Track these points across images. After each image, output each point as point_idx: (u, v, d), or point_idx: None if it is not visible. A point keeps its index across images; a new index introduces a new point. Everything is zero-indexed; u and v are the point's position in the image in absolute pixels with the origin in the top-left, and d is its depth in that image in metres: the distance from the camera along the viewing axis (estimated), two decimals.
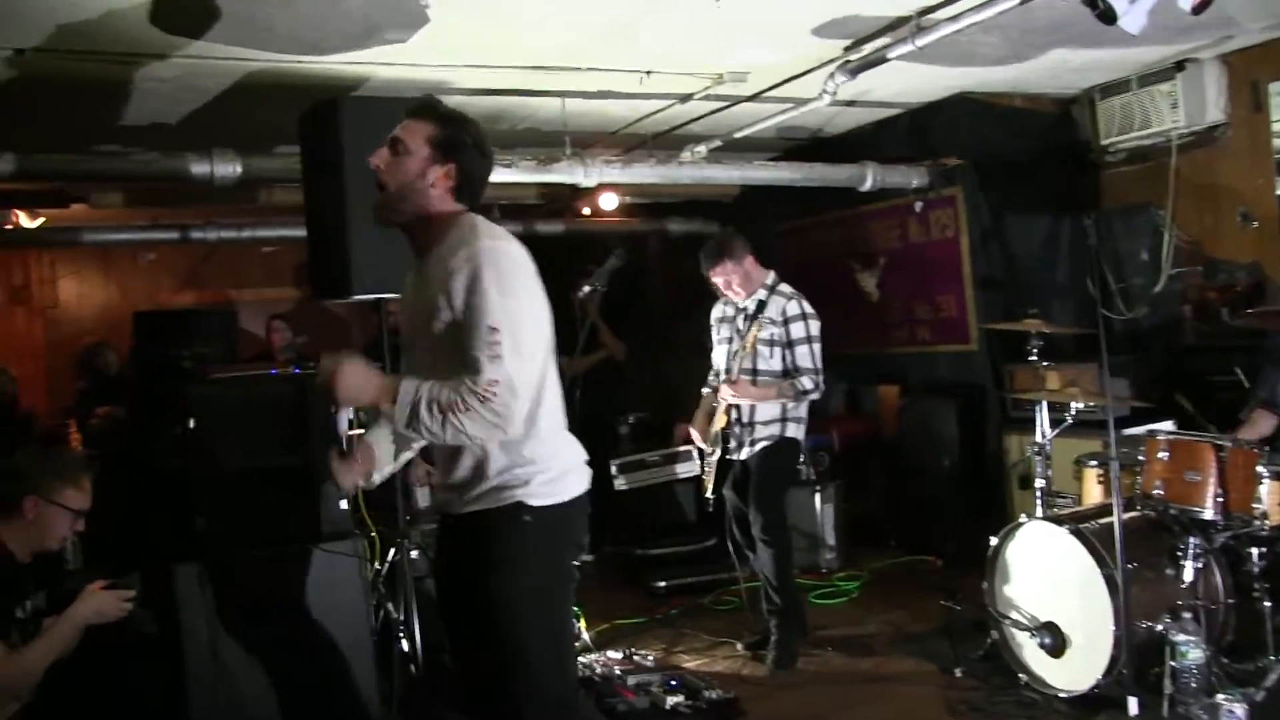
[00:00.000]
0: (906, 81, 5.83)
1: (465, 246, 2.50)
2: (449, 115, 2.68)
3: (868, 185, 6.51)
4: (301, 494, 3.79)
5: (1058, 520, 4.12)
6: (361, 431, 2.73)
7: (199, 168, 5.08)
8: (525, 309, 2.50)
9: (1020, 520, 4.26)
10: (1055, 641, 4.02)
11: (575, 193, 7.79)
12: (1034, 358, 4.70)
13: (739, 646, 5.04)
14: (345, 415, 2.78)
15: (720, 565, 6.28)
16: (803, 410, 4.92)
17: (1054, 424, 4.63)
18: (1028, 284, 6.27)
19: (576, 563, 2.75)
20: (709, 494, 5.06)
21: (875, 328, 7.18)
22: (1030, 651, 4.15)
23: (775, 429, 4.85)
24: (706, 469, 5.07)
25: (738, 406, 4.87)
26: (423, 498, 6.07)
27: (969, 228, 6.42)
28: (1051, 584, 4.09)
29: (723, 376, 4.95)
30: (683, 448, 6.75)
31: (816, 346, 4.83)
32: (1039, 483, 4.59)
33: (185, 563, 3.53)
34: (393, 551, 4.40)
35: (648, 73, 5.26)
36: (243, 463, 3.64)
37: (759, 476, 4.84)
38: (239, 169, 5.11)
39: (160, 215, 7.58)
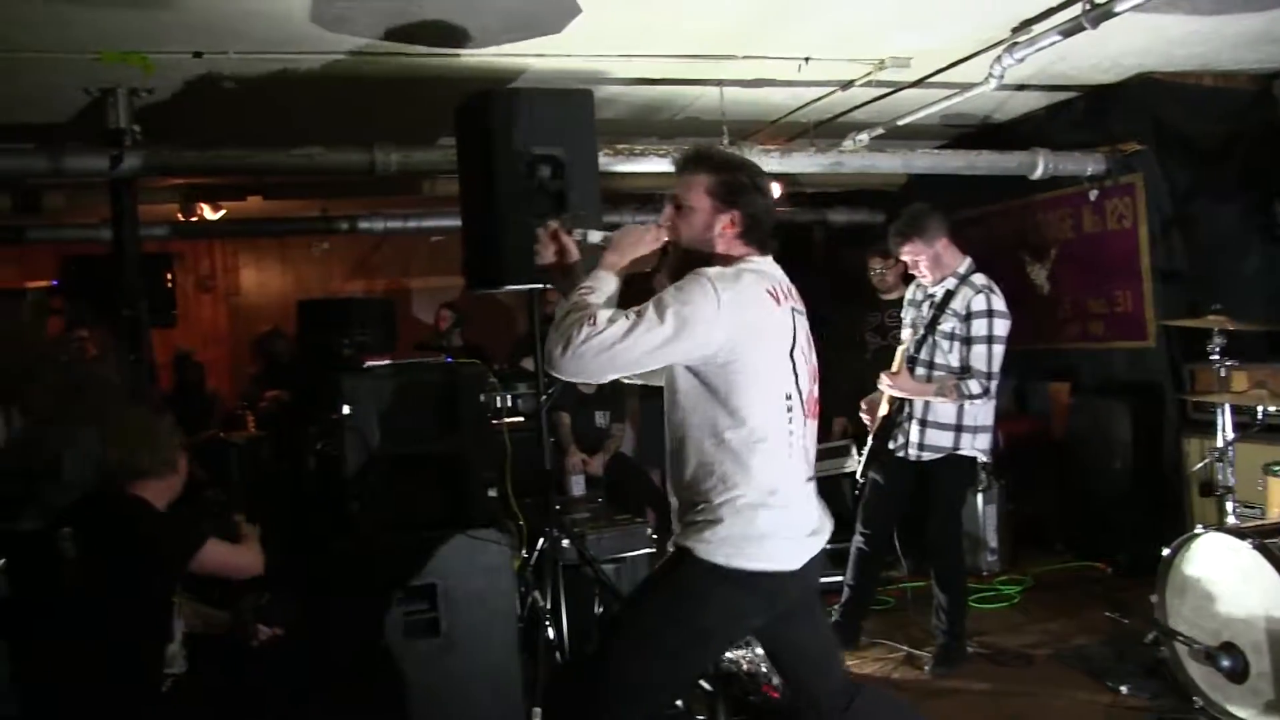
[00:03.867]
0: (1081, 63, 5.53)
1: None
2: (724, 162, 2.75)
3: (1039, 173, 6.22)
4: (451, 481, 3.86)
5: (1240, 533, 3.82)
6: None
7: (360, 159, 5.23)
8: (692, 324, 2.48)
9: (1197, 531, 3.98)
10: (1236, 665, 3.72)
11: None
12: (1216, 356, 4.40)
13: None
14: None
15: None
16: (983, 417, 4.55)
17: (1239, 428, 4.32)
18: (1213, 277, 5.85)
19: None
20: (858, 475, 4.91)
21: (1046, 322, 6.86)
22: (1205, 673, 3.86)
23: (948, 438, 4.54)
24: (862, 451, 4.89)
25: (912, 401, 4.63)
26: (576, 486, 6.12)
27: (1149, 217, 6.05)
28: (1232, 602, 3.79)
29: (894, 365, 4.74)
30: (841, 442, 6.63)
31: (996, 349, 4.43)
32: (1220, 491, 4.29)
33: (337, 543, 3.63)
34: (541, 540, 4.44)
35: (806, 59, 5.14)
36: (394, 448, 3.73)
37: (937, 494, 4.63)
38: (398, 161, 5.24)
39: (330, 207, 7.87)
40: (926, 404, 4.58)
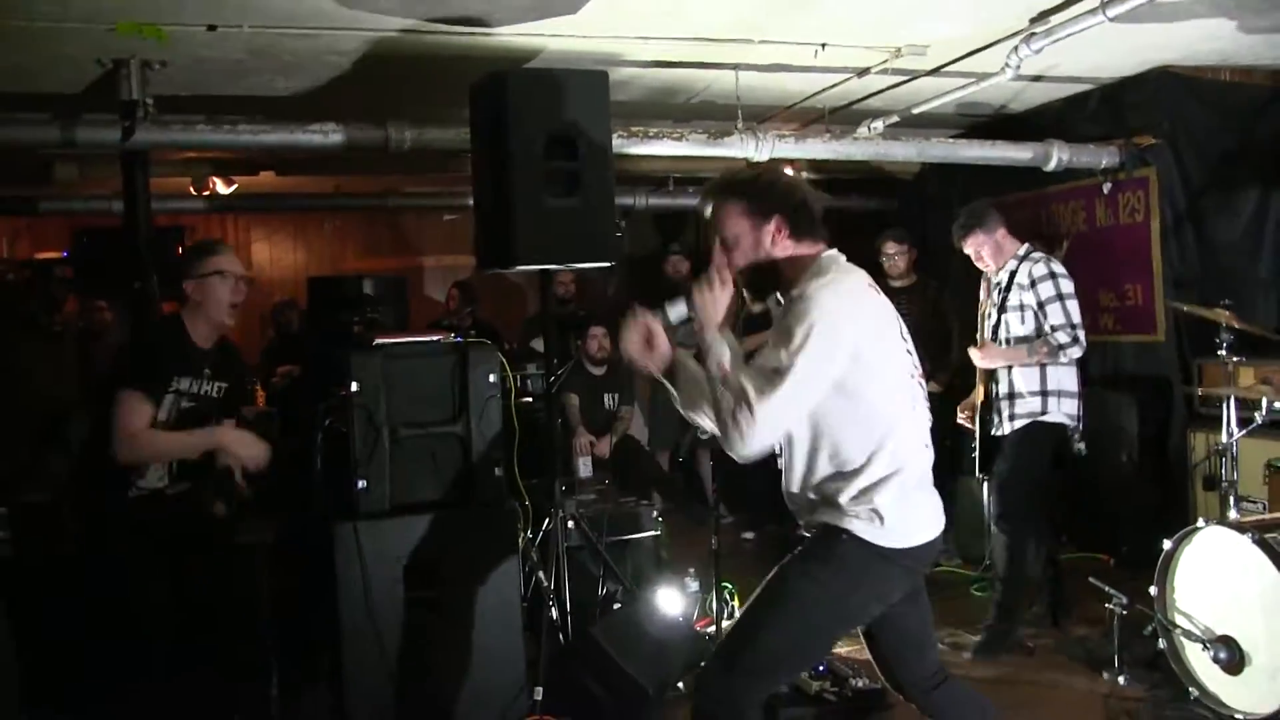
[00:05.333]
0: (1098, 55, 5.51)
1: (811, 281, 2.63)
2: (742, 181, 2.82)
3: (1052, 165, 6.19)
4: (458, 460, 3.88)
5: (1240, 527, 3.84)
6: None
7: (374, 136, 5.24)
8: (829, 349, 2.50)
9: (1198, 525, 4.00)
10: (1232, 657, 3.76)
11: (754, 167, 7.73)
12: (1224, 351, 4.40)
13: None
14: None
15: None
16: (1069, 381, 4.70)
17: (1243, 423, 4.32)
18: (1225, 274, 5.85)
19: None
20: (978, 474, 5.01)
21: None
22: (1203, 665, 3.90)
23: (1035, 403, 4.67)
24: (974, 448, 4.97)
25: (998, 380, 4.78)
26: (584, 468, 6.15)
27: (1161, 212, 6.03)
28: (1231, 595, 3.82)
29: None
30: None
31: (1071, 303, 4.64)
32: (1223, 486, 4.30)
33: (344, 521, 3.65)
34: (547, 520, 4.47)
35: (823, 45, 5.13)
36: (401, 426, 3.74)
37: (1007, 461, 4.72)
38: (412, 139, 5.24)
39: (344, 183, 7.88)
40: (1011, 379, 4.72)
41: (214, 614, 3.75)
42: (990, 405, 4.84)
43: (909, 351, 2.73)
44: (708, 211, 2.81)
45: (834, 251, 2.76)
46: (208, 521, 3.83)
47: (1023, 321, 4.73)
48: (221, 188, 7.46)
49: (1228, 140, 6.00)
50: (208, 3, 4.28)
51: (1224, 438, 4.31)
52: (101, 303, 7.33)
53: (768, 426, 2.48)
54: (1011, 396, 4.72)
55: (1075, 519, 6.39)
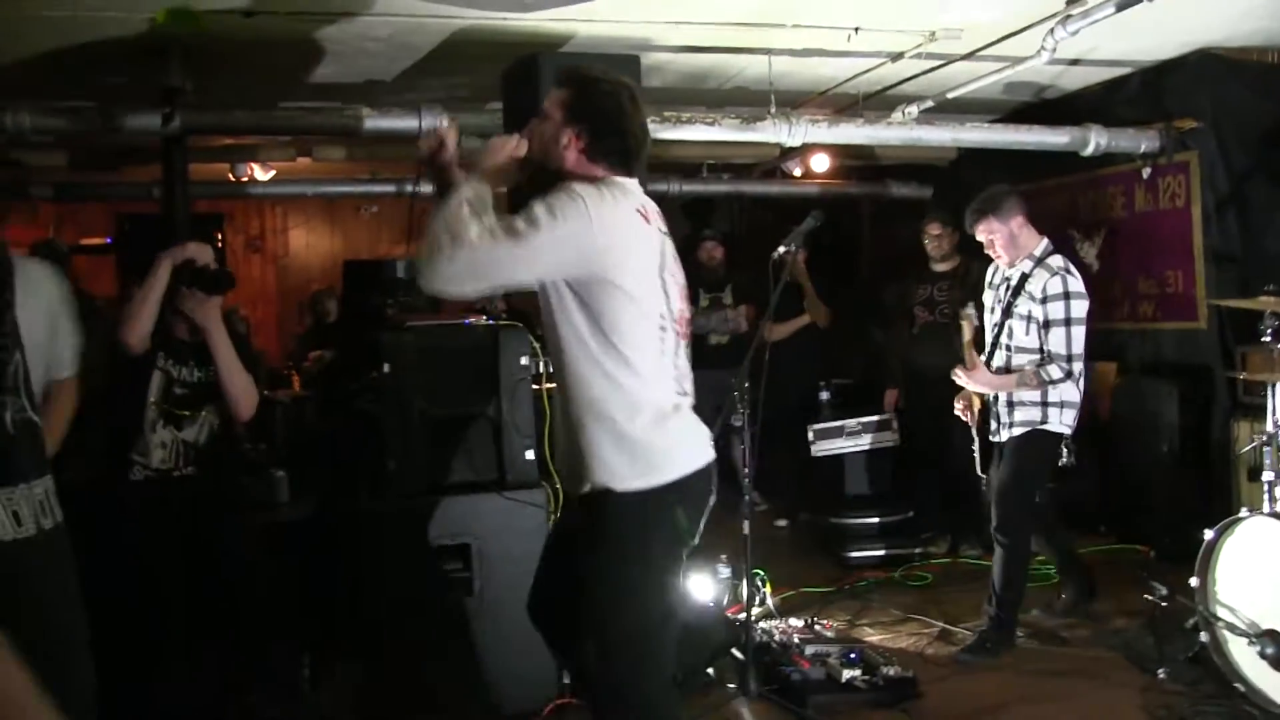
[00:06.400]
0: (1137, 37, 5.42)
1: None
2: (585, 78, 2.73)
3: (1090, 150, 6.10)
4: (489, 442, 3.89)
5: None
6: None
7: (407, 123, 5.24)
8: (562, 235, 2.43)
9: (1240, 515, 3.92)
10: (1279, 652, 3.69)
11: (785, 154, 7.69)
12: (1269, 338, 4.31)
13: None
14: None
15: (914, 540, 6.15)
16: (1071, 392, 4.51)
17: None
18: (1268, 260, 5.74)
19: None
20: (979, 471, 4.85)
21: (1094, 302, 6.72)
22: (1249, 660, 3.79)
23: (1034, 413, 4.51)
24: (974, 447, 4.83)
25: None
26: None
27: (1203, 197, 5.93)
28: (1276, 588, 3.74)
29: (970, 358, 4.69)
30: (883, 416, 6.60)
31: (1076, 331, 4.41)
32: (1267, 475, 4.20)
33: (374, 501, 3.67)
34: None
35: (856, 29, 5.08)
36: (433, 408, 3.75)
37: (1005, 470, 4.58)
38: (445, 125, 5.23)
39: (380, 169, 7.90)
40: None
41: (234, 595, 3.76)
42: (988, 410, 4.70)
43: (668, 290, 2.65)
44: (554, 84, 2.78)
45: (629, 180, 2.68)
46: (225, 502, 3.84)
47: (1027, 332, 4.51)
48: (260, 173, 7.50)
49: (1271, 123, 5.87)
50: None
51: (1269, 426, 4.22)
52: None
53: (471, 271, 2.40)
54: (1011, 405, 4.57)
55: (1113, 510, 6.33)
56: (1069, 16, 4.64)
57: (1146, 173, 6.25)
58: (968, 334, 4.68)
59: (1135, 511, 6.13)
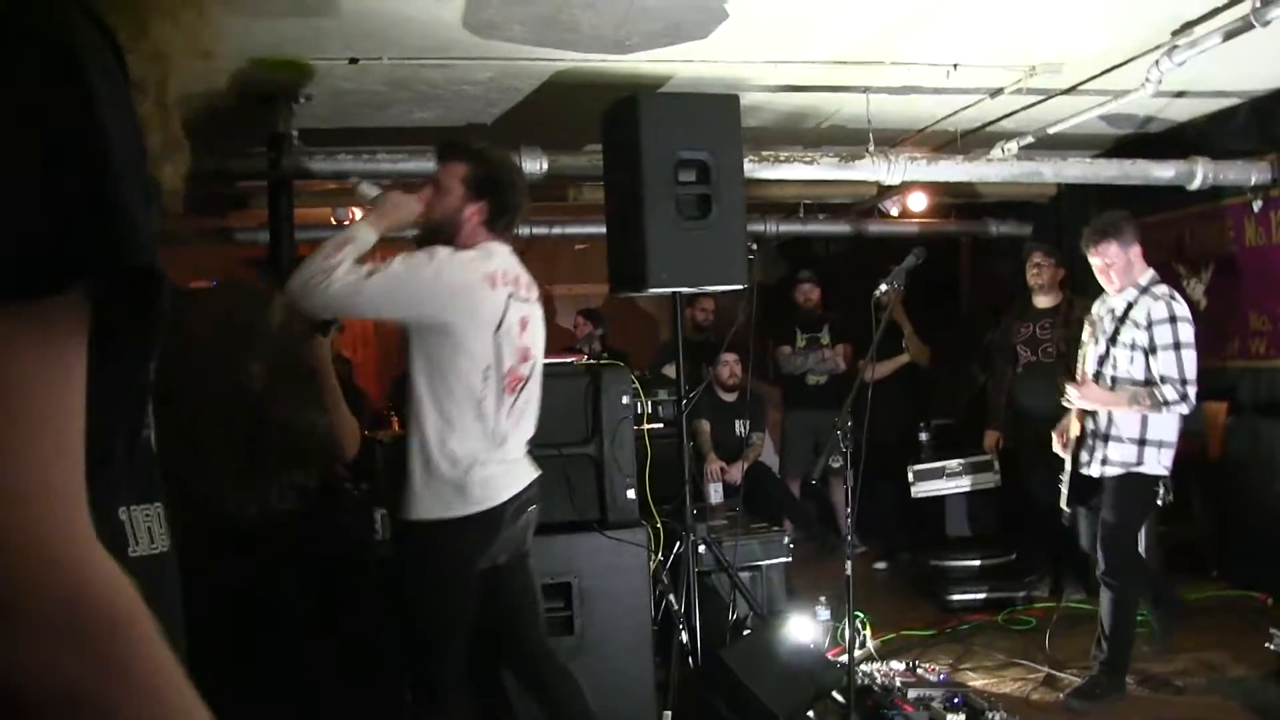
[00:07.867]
0: (1248, 65, 5.27)
1: None
2: (479, 156, 3.15)
3: (1197, 183, 5.96)
4: (590, 480, 3.91)
5: None
6: None
7: None
8: (411, 284, 2.88)
9: None
10: None
11: (883, 193, 7.65)
12: None
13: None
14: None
15: (1018, 583, 6.01)
16: (1169, 431, 4.42)
17: None
18: None
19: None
20: (1064, 505, 4.73)
21: (1202, 338, 6.56)
22: None
23: (1130, 452, 4.41)
24: (1063, 478, 4.72)
25: (1094, 415, 4.52)
26: (715, 493, 6.13)
27: None
28: None
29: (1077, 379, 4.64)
30: (984, 457, 6.49)
31: (1187, 354, 4.32)
32: None
33: None
34: (678, 544, 4.47)
35: (955, 65, 5.05)
36: (534, 447, 3.77)
37: (1107, 515, 4.46)
38: (545, 166, 5.32)
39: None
40: (1110, 419, 4.46)
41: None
42: (1082, 440, 4.58)
43: (502, 349, 3.01)
44: (441, 156, 3.18)
45: (498, 245, 3.10)
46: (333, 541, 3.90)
47: (1132, 362, 4.42)
48: (359, 216, 7.68)
49: None
50: (349, 36, 4.44)
51: None
52: None
53: (333, 291, 2.78)
54: (1107, 438, 4.46)
55: (1227, 555, 6.11)
56: (1175, 47, 4.55)
57: (1257, 205, 6.09)
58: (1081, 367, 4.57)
59: (1251, 556, 5.91)
